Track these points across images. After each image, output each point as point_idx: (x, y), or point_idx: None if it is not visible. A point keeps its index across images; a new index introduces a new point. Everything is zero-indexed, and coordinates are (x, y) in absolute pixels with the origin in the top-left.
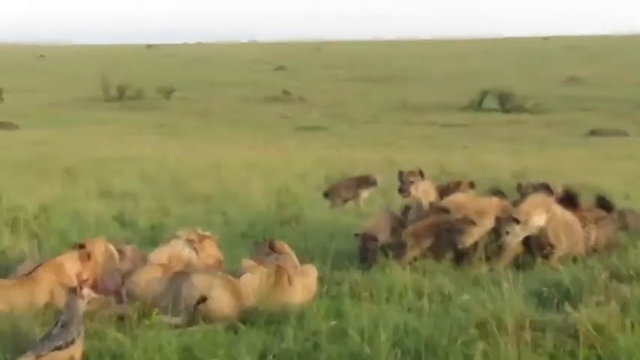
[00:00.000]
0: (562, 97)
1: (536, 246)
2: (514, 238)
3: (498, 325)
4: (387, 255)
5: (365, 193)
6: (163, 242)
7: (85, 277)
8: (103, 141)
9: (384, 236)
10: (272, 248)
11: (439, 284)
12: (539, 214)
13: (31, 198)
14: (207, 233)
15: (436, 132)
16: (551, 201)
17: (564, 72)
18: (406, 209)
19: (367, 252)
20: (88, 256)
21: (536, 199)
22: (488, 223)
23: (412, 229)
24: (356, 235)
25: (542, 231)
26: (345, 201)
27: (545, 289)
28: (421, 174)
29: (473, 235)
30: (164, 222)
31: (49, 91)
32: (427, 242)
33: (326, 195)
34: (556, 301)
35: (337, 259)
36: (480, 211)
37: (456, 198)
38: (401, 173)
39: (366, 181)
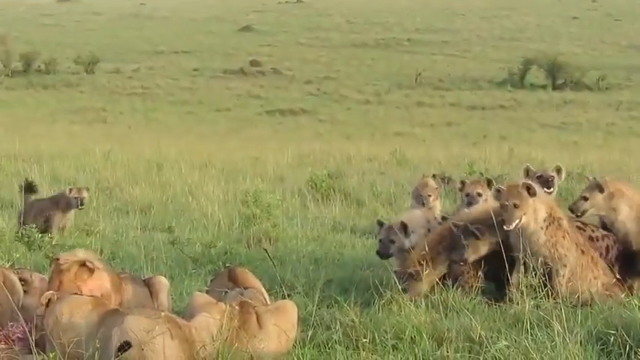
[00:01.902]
0: (636, 69)
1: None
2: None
3: None
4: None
5: None
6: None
7: None
8: (1, 130)
9: (414, 238)
10: (232, 279)
11: (466, 326)
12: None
13: None
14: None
15: (461, 116)
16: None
17: (638, 34)
18: (443, 219)
19: (392, 245)
20: None
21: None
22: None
23: (418, 254)
24: (380, 223)
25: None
26: None
27: (611, 332)
28: (489, 184)
29: (477, 251)
30: (87, 242)
31: None
32: (442, 262)
33: None
34: (627, 349)
35: (326, 294)
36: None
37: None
38: (463, 184)
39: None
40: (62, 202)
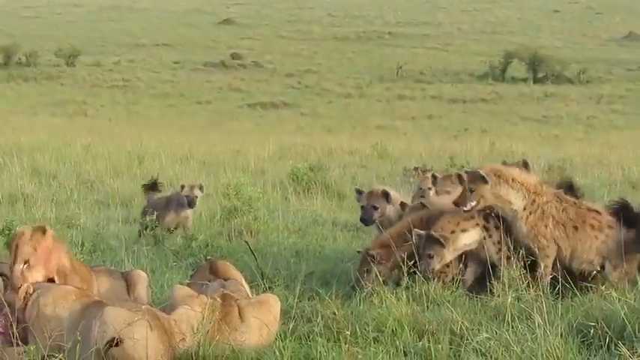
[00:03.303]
0: (616, 62)
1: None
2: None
3: None
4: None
5: None
6: None
7: None
8: None
9: (393, 214)
10: (213, 272)
11: (447, 319)
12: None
13: None
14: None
15: (443, 109)
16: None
17: (618, 27)
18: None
19: (374, 211)
20: None
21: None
22: (467, 238)
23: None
24: (359, 191)
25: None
26: None
27: (591, 324)
28: (460, 179)
29: (443, 259)
30: (68, 235)
31: None
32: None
33: None
34: (607, 341)
35: (307, 286)
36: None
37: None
38: (435, 178)
39: None
40: (174, 202)
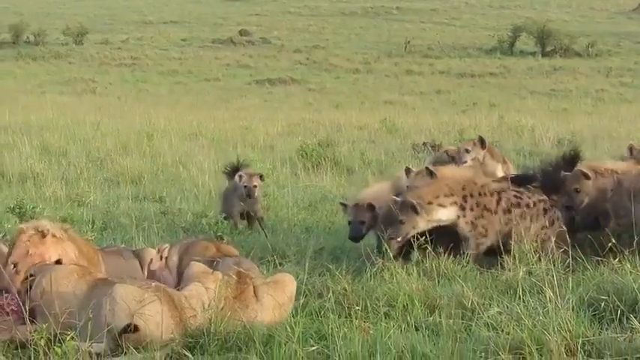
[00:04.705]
0: (625, 35)
1: None
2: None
3: (540, 348)
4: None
5: None
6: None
7: None
8: None
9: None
10: (218, 249)
11: (458, 293)
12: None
13: None
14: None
15: (451, 84)
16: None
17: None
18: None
19: (361, 226)
20: None
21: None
22: (443, 214)
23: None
24: (343, 205)
25: None
26: None
27: (603, 298)
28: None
29: (415, 226)
30: (78, 213)
31: None
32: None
33: None
34: (618, 314)
35: (318, 262)
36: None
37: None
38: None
39: None
40: (239, 190)
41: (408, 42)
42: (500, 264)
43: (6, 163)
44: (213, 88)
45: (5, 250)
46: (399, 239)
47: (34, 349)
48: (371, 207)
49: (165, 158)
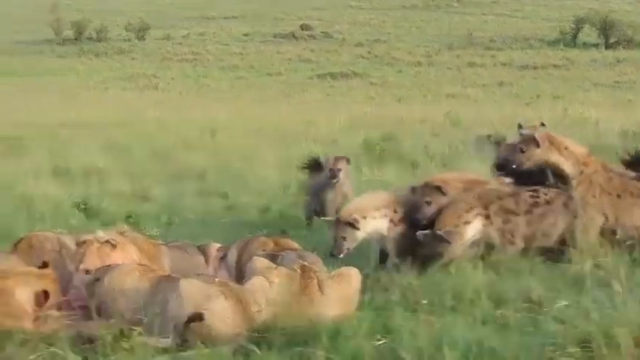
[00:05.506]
0: None
1: None
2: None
3: (608, 341)
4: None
5: None
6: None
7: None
8: (54, 99)
9: (373, 224)
10: (277, 244)
11: (524, 287)
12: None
13: None
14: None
15: (513, 76)
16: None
17: None
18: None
19: (344, 242)
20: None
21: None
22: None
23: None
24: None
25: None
26: None
27: None
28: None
29: (453, 254)
30: (143, 209)
31: None
32: None
33: None
34: None
35: (384, 257)
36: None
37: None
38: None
39: None
40: (326, 177)
41: (470, 34)
42: (568, 258)
43: (71, 159)
44: (275, 83)
45: (72, 245)
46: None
47: (101, 344)
48: (354, 221)
49: (228, 153)
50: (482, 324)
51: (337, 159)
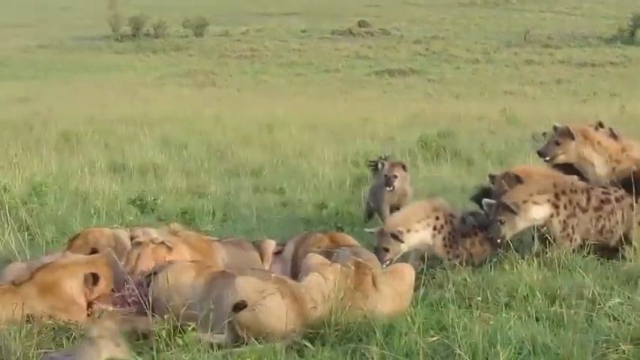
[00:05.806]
0: None
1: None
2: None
3: None
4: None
5: None
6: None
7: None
8: (111, 95)
9: (416, 237)
10: (332, 240)
11: (578, 284)
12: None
13: (18, 175)
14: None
15: (571, 74)
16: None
17: None
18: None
19: (386, 253)
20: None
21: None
22: (538, 212)
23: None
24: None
25: None
26: None
27: None
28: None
29: (513, 227)
30: (199, 205)
31: (36, 28)
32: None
33: None
34: None
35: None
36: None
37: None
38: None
39: None
40: (383, 180)
41: (528, 32)
42: (622, 254)
43: (127, 155)
44: (332, 80)
45: (127, 241)
46: (499, 240)
47: (155, 339)
48: (397, 234)
49: (285, 149)
50: (535, 321)
51: (393, 165)
